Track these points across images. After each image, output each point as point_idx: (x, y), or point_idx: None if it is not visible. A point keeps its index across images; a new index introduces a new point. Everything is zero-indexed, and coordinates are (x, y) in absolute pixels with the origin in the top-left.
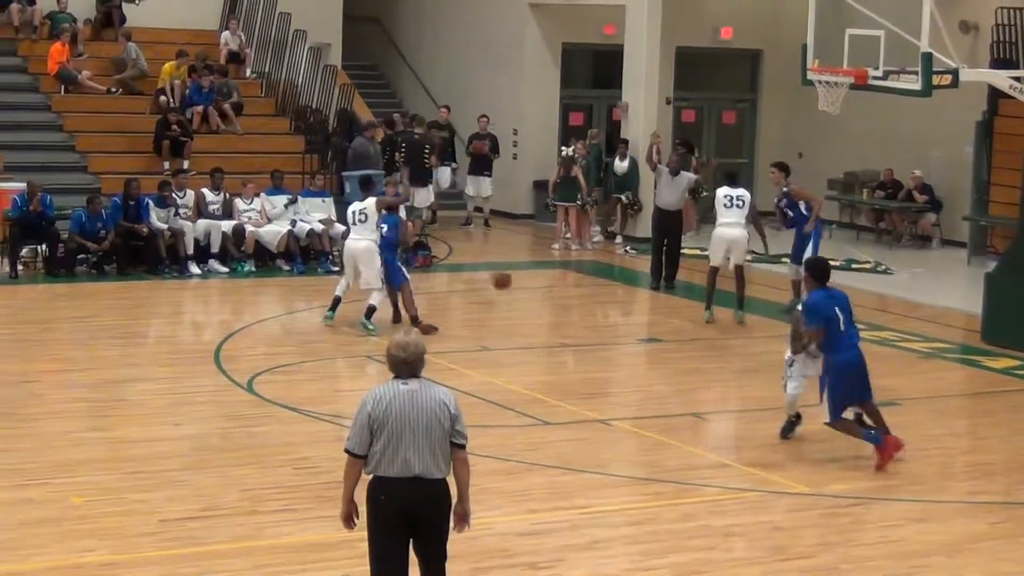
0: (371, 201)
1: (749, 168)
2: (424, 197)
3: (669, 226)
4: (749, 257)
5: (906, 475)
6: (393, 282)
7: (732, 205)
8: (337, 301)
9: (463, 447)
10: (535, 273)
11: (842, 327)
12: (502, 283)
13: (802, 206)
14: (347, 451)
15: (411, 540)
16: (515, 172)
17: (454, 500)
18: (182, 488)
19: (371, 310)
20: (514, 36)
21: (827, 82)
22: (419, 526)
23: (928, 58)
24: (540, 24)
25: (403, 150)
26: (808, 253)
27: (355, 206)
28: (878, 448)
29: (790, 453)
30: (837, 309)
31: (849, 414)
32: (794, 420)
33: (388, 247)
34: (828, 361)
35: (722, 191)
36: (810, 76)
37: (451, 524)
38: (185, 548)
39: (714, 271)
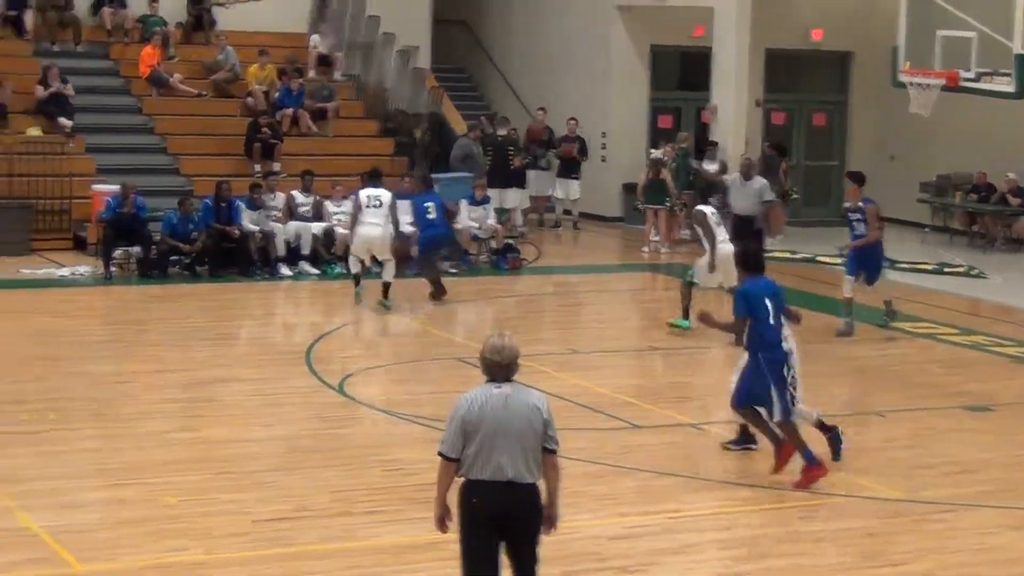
0: (386, 192)
1: (839, 170)
2: (514, 199)
3: (745, 231)
4: None
5: (1000, 481)
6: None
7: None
8: (358, 278)
9: (554, 452)
10: (624, 276)
11: (771, 321)
12: None
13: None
14: (440, 454)
15: (503, 543)
16: (604, 175)
17: (545, 504)
18: (273, 489)
19: (387, 287)
20: (602, 38)
21: (918, 84)
22: (510, 530)
23: (1021, 59)
24: (628, 26)
25: (489, 152)
26: (879, 276)
27: (369, 191)
28: (807, 466)
29: (881, 458)
30: (768, 301)
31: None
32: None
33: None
34: (758, 358)
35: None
36: (901, 78)
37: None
38: (275, 549)
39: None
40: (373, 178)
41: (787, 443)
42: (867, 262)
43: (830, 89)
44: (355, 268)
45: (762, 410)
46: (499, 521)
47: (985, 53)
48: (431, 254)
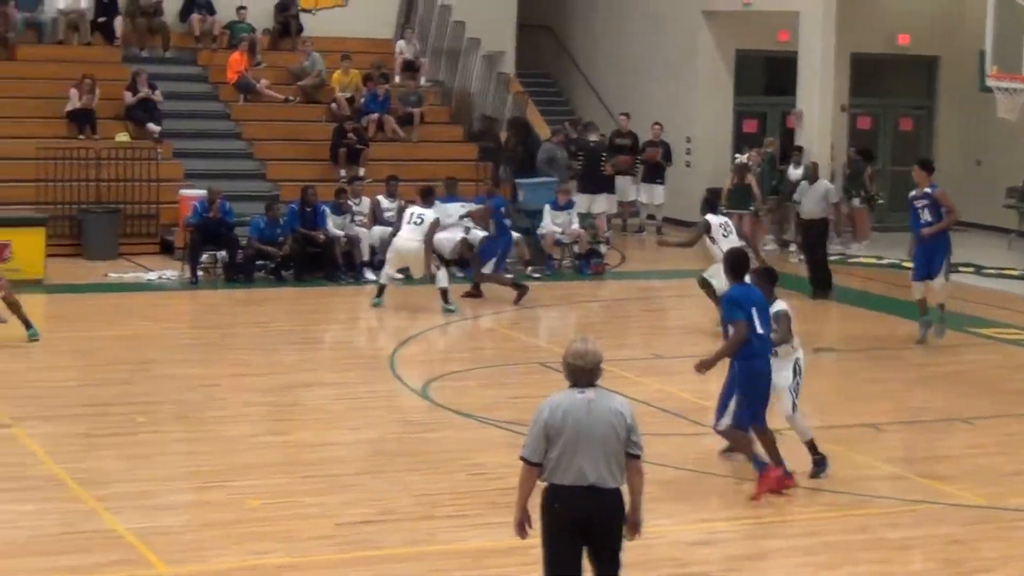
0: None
1: None
2: (597, 204)
3: (810, 235)
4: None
5: None
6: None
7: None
8: (383, 288)
9: (638, 457)
10: None
11: (759, 329)
12: None
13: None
14: (522, 458)
15: (585, 548)
16: (688, 180)
17: (627, 509)
18: (357, 492)
19: (444, 292)
20: (687, 43)
21: (1006, 88)
22: (592, 535)
23: None
24: (713, 31)
25: (580, 157)
26: (942, 269)
27: (415, 209)
28: (761, 476)
29: (967, 465)
30: (754, 310)
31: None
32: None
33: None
34: (735, 366)
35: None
36: (988, 83)
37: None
38: (360, 552)
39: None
40: (427, 197)
41: (771, 469)
42: (934, 255)
43: (916, 94)
44: (384, 279)
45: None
46: (581, 526)
47: None
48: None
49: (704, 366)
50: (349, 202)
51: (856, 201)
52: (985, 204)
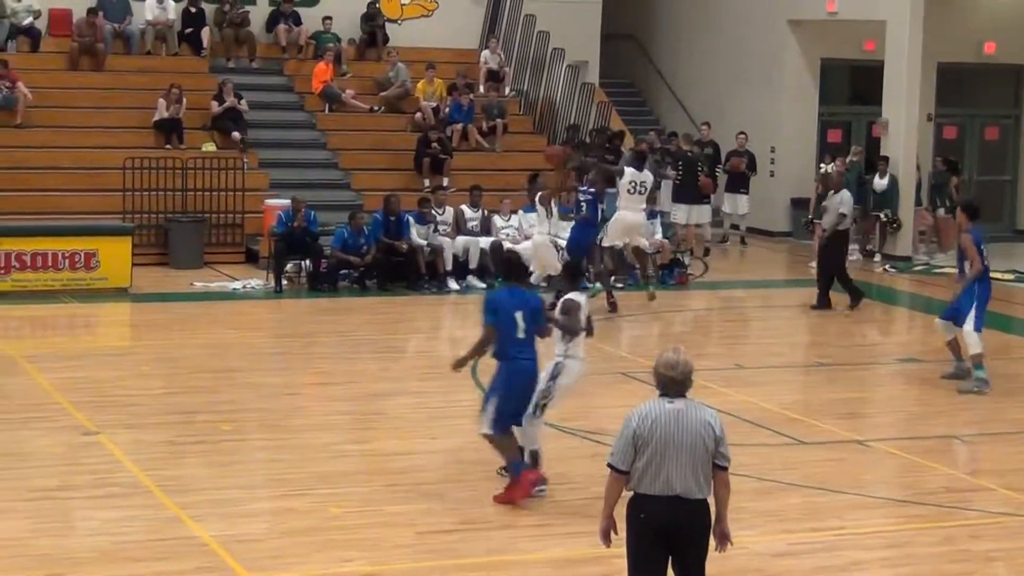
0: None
1: (1012, 185)
2: (695, 215)
3: (824, 247)
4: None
5: None
6: None
7: (635, 191)
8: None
9: (726, 469)
10: (791, 291)
11: (520, 334)
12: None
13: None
14: (610, 465)
15: (670, 558)
16: (772, 189)
17: (713, 520)
18: (439, 501)
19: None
20: (773, 52)
21: None
22: (677, 545)
23: None
24: (799, 40)
25: (680, 167)
26: (970, 321)
27: (633, 175)
28: (512, 480)
29: None
30: (519, 313)
31: None
32: None
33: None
34: (499, 368)
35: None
36: None
37: (710, 544)
38: (441, 560)
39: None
40: (640, 158)
41: (525, 474)
42: (964, 300)
43: (1003, 103)
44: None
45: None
46: (666, 536)
47: None
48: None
49: (457, 365)
50: (433, 211)
51: (941, 211)
52: None
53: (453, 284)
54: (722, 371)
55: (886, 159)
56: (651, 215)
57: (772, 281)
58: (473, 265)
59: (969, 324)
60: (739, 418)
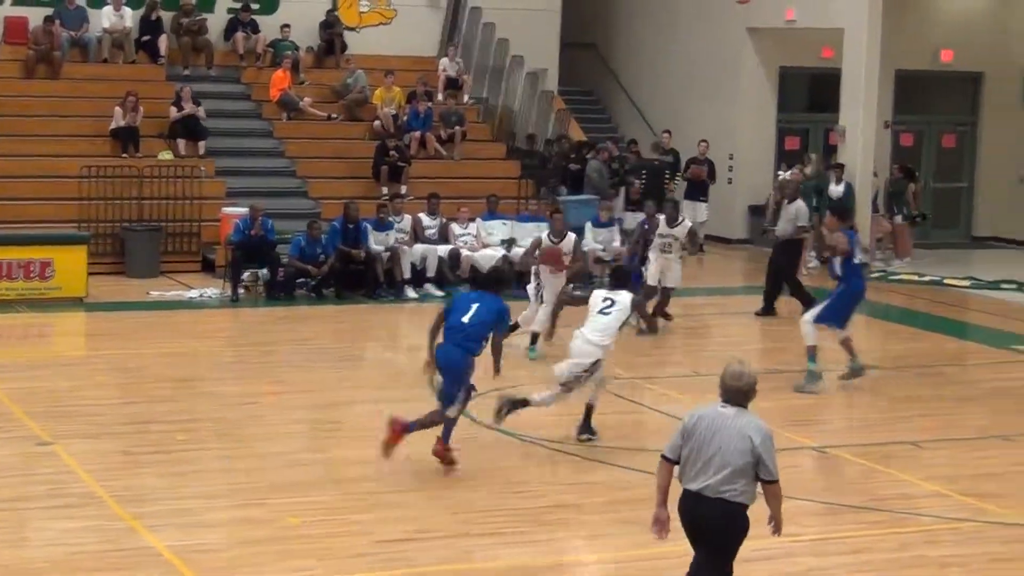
0: None
1: (969, 193)
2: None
3: (781, 255)
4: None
5: None
6: None
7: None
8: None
9: (770, 482)
10: (749, 298)
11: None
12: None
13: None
14: (661, 454)
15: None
16: (730, 197)
17: (747, 525)
18: (395, 510)
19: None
20: (731, 60)
21: None
22: (700, 540)
23: None
24: (757, 48)
25: (643, 176)
26: (814, 312)
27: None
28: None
29: (1009, 483)
30: (476, 306)
31: None
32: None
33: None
34: None
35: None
36: None
37: (733, 548)
38: (397, 569)
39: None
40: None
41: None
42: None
43: (959, 110)
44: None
45: None
46: (692, 530)
47: None
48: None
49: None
50: (390, 218)
51: (899, 218)
52: None
53: (411, 292)
54: (679, 378)
55: (841, 166)
56: (609, 223)
57: (730, 288)
58: (431, 273)
59: (810, 314)
60: None
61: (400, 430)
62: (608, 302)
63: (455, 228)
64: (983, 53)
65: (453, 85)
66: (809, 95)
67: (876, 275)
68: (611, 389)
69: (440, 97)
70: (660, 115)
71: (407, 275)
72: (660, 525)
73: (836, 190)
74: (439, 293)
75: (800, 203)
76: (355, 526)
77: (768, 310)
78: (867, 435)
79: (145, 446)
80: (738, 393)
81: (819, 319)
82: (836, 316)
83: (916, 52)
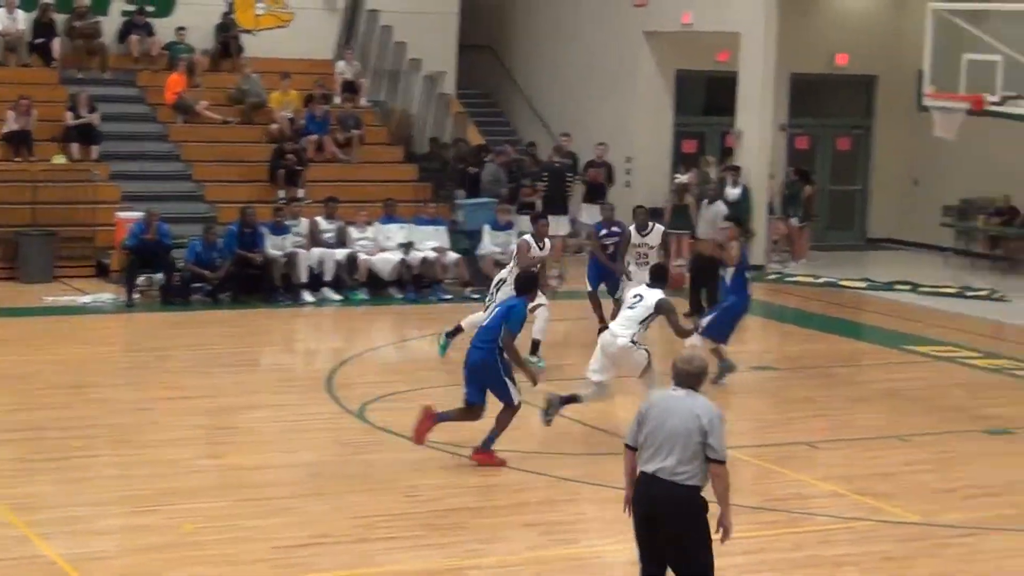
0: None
1: (863, 195)
2: (558, 226)
3: (703, 259)
4: None
5: (1022, 505)
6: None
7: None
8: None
9: (717, 462)
10: None
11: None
12: None
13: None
14: (624, 443)
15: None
16: (628, 199)
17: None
18: (294, 515)
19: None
20: (628, 63)
21: (943, 108)
22: (657, 525)
23: None
24: (654, 51)
25: (544, 178)
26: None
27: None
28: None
29: (902, 482)
30: (498, 310)
31: None
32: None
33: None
34: None
35: None
36: (926, 102)
37: (700, 534)
38: (296, 575)
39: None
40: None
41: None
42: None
43: (854, 113)
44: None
45: None
46: (647, 514)
47: (1011, 76)
48: None
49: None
50: (287, 222)
51: (794, 220)
52: (922, 223)
53: (308, 296)
54: (579, 380)
55: (737, 169)
56: (507, 226)
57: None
58: (328, 277)
59: (696, 338)
60: (595, 428)
61: (429, 420)
62: (637, 298)
63: (353, 232)
64: (877, 57)
65: (350, 88)
66: (706, 98)
67: (772, 277)
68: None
69: (337, 100)
70: (558, 118)
71: (304, 279)
72: (627, 503)
73: (732, 193)
74: (336, 297)
75: (721, 205)
76: (252, 532)
77: (696, 309)
78: (763, 436)
79: (40, 453)
80: (689, 376)
81: (704, 334)
82: (720, 333)
83: (811, 56)
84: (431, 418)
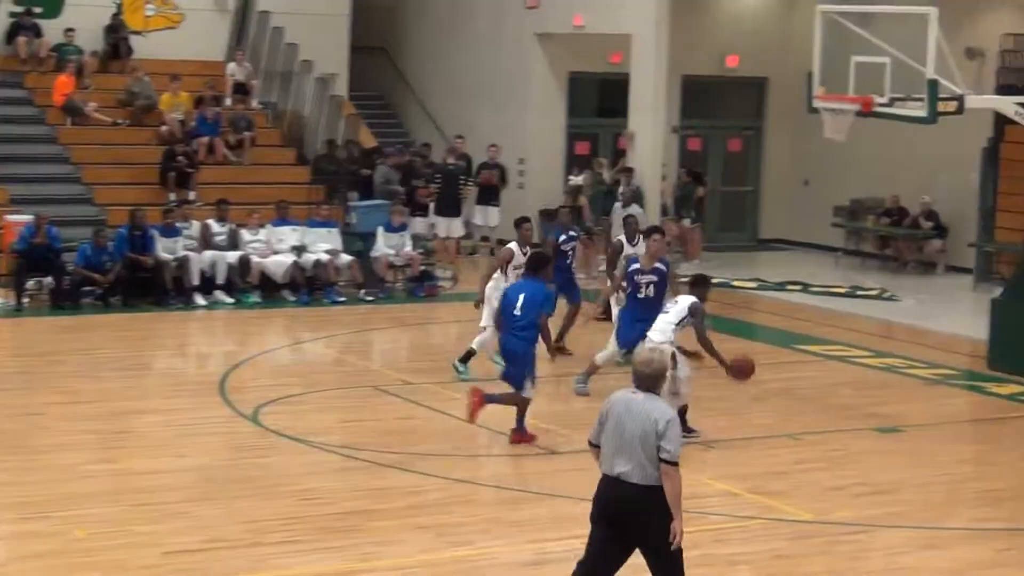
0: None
1: (754, 196)
2: (452, 228)
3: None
4: None
5: (913, 502)
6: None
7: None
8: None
9: (668, 463)
10: None
11: (517, 312)
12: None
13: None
14: (588, 440)
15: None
16: (521, 201)
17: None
18: (186, 520)
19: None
20: (521, 65)
21: (833, 109)
22: (622, 527)
23: (934, 85)
24: (547, 53)
25: (437, 180)
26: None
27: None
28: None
29: (794, 480)
30: (522, 296)
31: None
32: None
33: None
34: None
35: None
36: (816, 104)
37: (661, 533)
38: None
39: None
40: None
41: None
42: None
43: (745, 115)
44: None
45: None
46: (608, 515)
47: (899, 78)
48: None
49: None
50: (178, 224)
51: (687, 222)
52: (813, 223)
53: (200, 299)
54: (474, 382)
55: (630, 170)
56: (401, 227)
57: None
58: (220, 280)
59: (612, 350)
60: (492, 430)
61: (480, 400)
62: (674, 303)
63: (245, 234)
64: (768, 59)
65: (241, 90)
66: (598, 100)
67: None
68: (401, 393)
69: (228, 102)
70: (451, 120)
71: (196, 282)
72: None
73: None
74: (229, 300)
75: (638, 207)
76: (144, 537)
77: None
78: None
79: None
80: (647, 378)
81: (620, 345)
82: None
83: (703, 58)
84: (480, 398)
